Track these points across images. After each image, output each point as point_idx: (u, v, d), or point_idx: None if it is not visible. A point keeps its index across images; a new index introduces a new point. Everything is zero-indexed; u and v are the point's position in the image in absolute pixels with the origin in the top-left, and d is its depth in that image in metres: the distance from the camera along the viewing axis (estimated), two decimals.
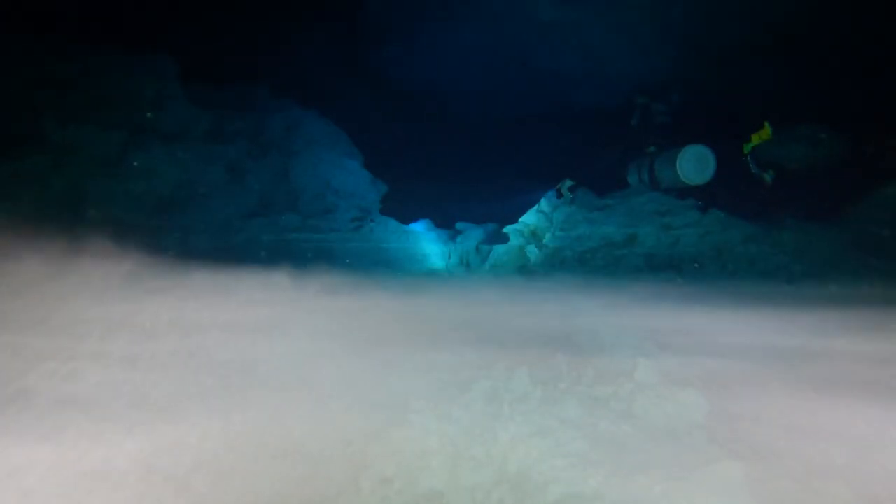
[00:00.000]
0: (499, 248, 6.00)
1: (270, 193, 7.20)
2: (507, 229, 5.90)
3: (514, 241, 5.82)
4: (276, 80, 8.32)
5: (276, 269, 4.64)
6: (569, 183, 6.05)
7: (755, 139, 5.09)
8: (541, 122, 8.73)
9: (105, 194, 5.51)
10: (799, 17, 6.22)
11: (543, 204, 5.67)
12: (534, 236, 5.58)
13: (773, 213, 5.34)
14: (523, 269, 5.48)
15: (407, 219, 6.81)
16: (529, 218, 5.63)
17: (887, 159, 5.21)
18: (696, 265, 4.96)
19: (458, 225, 6.60)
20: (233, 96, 8.08)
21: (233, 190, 6.91)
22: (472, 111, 8.81)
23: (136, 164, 5.84)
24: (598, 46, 8.13)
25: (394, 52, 8.72)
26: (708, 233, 5.12)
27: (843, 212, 5.31)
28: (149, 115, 6.49)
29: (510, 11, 8.49)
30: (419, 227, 6.71)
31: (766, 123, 5.09)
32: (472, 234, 6.35)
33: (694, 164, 4.92)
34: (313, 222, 6.78)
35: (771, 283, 4.64)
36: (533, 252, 5.51)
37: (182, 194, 6.40)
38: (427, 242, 6.48)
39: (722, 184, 5.20)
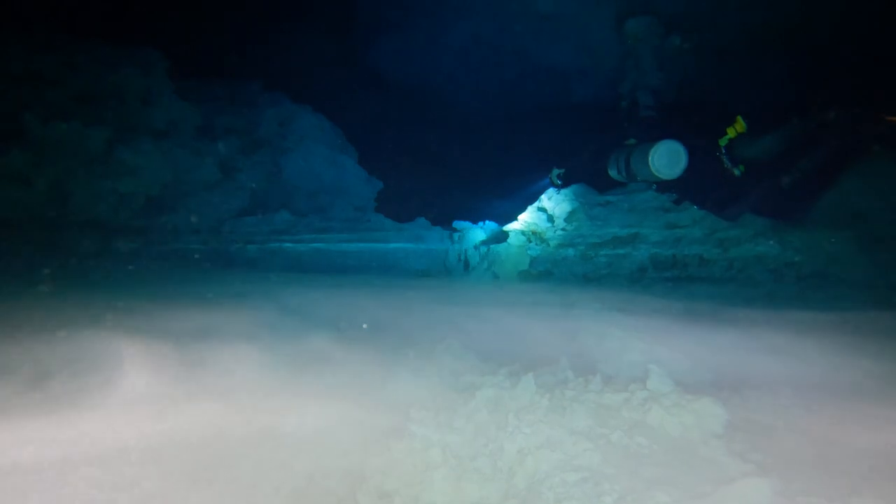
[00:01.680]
0: (497, 248, 5.86)
1: (263, 191, 7.03)
2: (506, 228, 5.77)
3: (514, 239, 5.69)
4: (268, 74, 8.17)
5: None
6: (556, 171, 6.07)
7: (731, 132, 5.08)
8: (539, 117, 8.62)
9: (90, 194, 5.32)
10: (800, 13, 6.15)
11: (544, 201, 5.55)
12: (534, 235, 5.45)
13: (739, 206, 5.24)
14: (525, 276, 5.36)
15: (403, 217, 6.66)
16: (530, 216, 5.50)
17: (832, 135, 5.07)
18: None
19: (456, 223, 6.45)
20: (224, 91, 7.90)
21: (225, 188, 6.73)
22: (469, 105, 8.67)
23: (122, 161, 5.64)
24: (597, 40, 8.02)
25: (389, 45, 8.60)
26: (714, 231, 5.01)
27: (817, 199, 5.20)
28: (136, 110, 6.29)
29: (508, 3, 8.37)
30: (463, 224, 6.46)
31: (739, 117, 5.09)
32: (471, 233, 6.22)
33: (666, 159, 4.93)
34: (308, 221, 6.61)
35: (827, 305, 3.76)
36: (534, 251, 5.38)
37: (171, 193, 6.22)
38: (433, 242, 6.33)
39: (700, 178, 5.17)
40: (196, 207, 6.29)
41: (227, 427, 1.83)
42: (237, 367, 2.30)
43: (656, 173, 4.92)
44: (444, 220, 6.58)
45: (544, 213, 5.49)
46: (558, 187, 5.88)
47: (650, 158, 4.89)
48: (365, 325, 3.18)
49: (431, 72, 8.49)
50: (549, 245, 5.29)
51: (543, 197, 5.63)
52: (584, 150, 6.01)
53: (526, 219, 5.62)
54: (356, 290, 4.22)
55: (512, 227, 5.80)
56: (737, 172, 5.07)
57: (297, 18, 8.35)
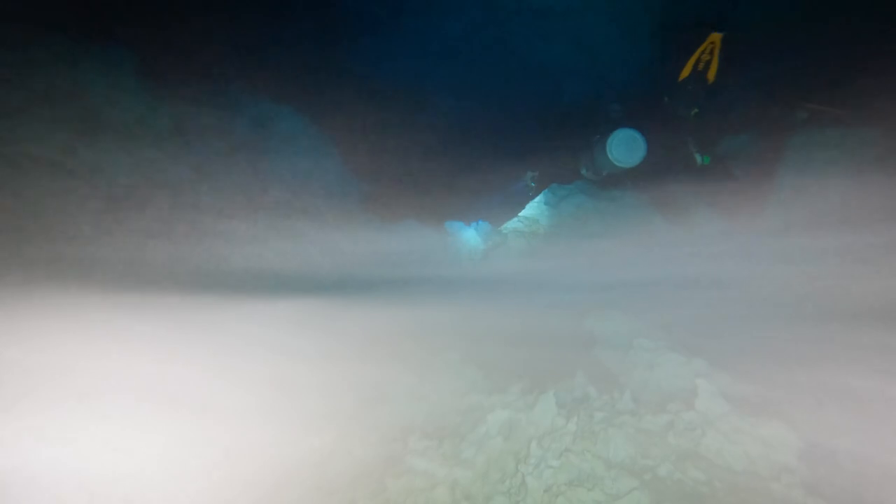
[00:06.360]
0: (495, 249, 5.45)
1: (240, 195, 6.60)
2: (504, 227, 5.38)
3: (514, 239, 5.29)
4: (246, 73, 7.81)
5: None
6: (530, 174, 6.09)
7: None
8: (528, 116, 8.34)
9: (45, 196, 4.85)
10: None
11: (548, 196, 5.21)
12: (534, 235, 5.06)
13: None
14: (524, 277, 4.99)
15: (391, 219, 6.26)
16: (532, 212, 5.13)
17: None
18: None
19: (447, 224, 6.05)
20: (198, 91, 7.49)
21: (198, 191, 6.30)
22: (456, 105, 8.37)
23: (84, 162, 5.18)
24: (592, 36, 7.78)
25: (373, 43, 8.34)
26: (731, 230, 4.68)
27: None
28: (101, 110, 5.85)
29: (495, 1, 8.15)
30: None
31: (695, 110, 5.25)
32: (464, 234, 5.82)
33: (624, 147, 5.06)
34: (289, 227, 6.19)
35: None
36: (536, 251, 4.99)
37: (140, 196, 5.76)
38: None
39: (669, 171, 5.25)
40: (168, 211, 5.84)
41: None
42: None
43: (616, 162, 5.01)
44: (434, 221, 6.20)
45: (549, 209, 5.13)
46: (532, 189, 5.86)
47: (608, 148, 5.03)
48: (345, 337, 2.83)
49: (415, 72, 8.23)
50: (554, 244, 4.92)
51: (548, 191, 5.32)
52: (557, 150, 6.06)
53: (528, 216, 5.27)
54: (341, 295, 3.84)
55: (510, 226, 5.42)
56: (699, 160, 5.11)
57: (276, 14, 8.03)
